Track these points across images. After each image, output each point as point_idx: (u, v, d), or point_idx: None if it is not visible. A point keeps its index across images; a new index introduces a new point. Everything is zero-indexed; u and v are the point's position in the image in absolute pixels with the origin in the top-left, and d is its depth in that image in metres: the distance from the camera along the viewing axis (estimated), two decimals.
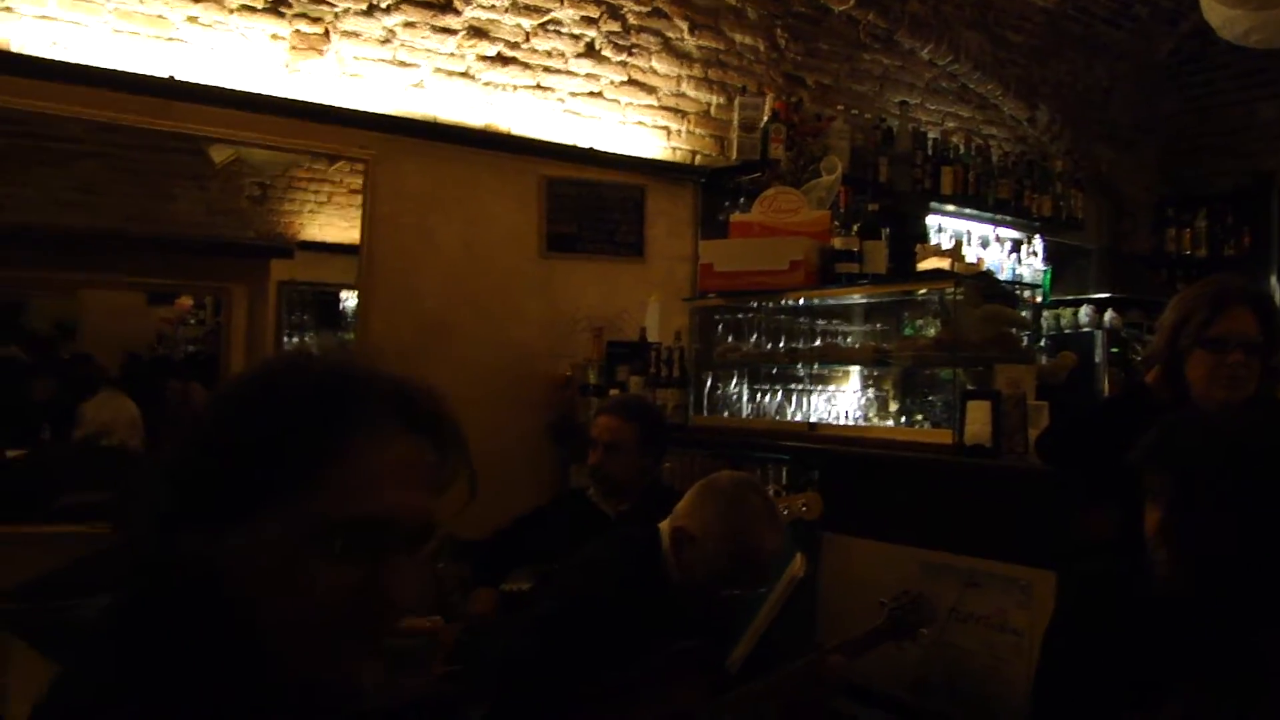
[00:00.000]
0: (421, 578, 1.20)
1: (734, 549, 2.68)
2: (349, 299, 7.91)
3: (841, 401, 4.53)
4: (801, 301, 4.51)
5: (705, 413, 4.58)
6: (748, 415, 4.58)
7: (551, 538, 3.60)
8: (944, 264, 4.39)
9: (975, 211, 6.46)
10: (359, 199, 6.78)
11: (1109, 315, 6.86)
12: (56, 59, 4.09)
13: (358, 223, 6.95)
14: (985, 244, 6.74)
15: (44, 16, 4.05)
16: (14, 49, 4.00)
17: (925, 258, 4.53)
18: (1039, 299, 6.65)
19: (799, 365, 4.47)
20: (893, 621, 2.78)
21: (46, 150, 6.15)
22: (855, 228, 4.31)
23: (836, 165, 4.85)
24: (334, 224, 7.31)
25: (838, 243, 4.29)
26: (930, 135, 6.32)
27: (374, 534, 1.10)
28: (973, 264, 5.17)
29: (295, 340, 7.81)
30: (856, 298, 4.47)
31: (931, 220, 6.33)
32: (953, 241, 6.07)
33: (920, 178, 6.05)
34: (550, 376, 5.06)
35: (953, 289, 3.85)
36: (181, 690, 1.05)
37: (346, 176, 7.02)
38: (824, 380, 4.54)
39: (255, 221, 7.19)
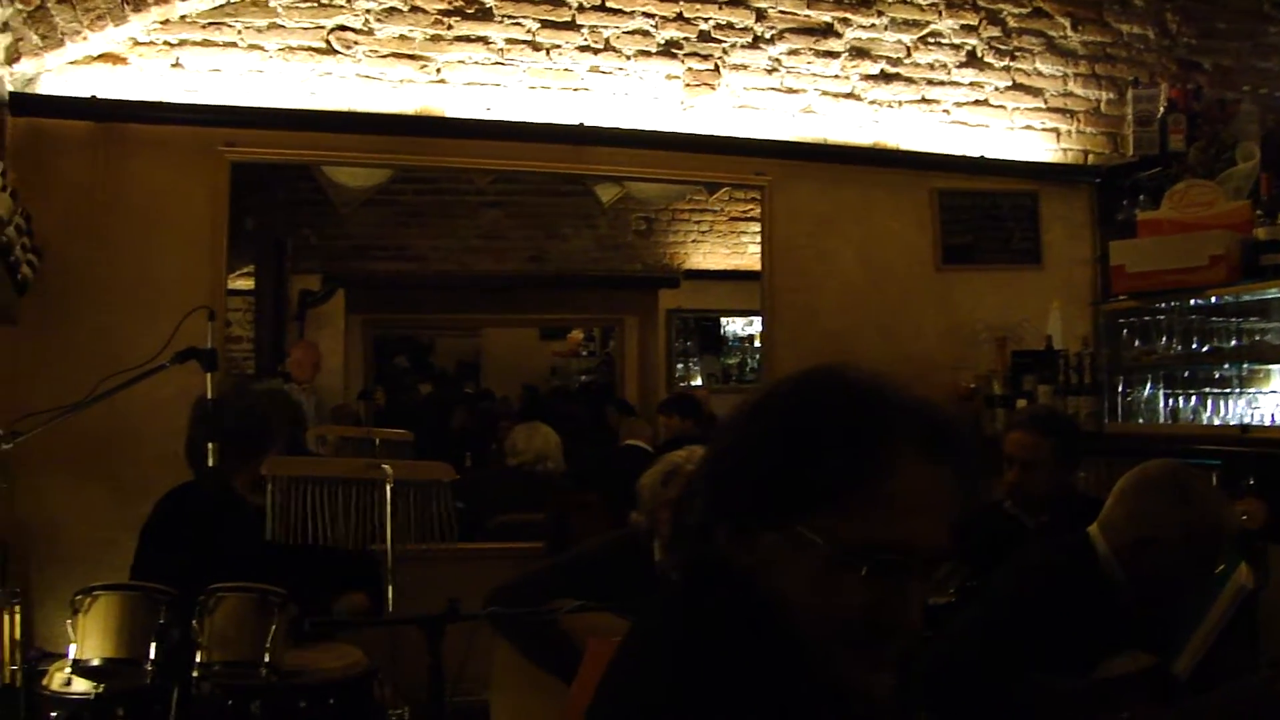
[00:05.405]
0: (926, 600, 1.23)
1: (1199, 536, 2.59)
2: (729, 324, 8.20)
3: (1264, 403, 4.26)
4: (1214, 299, 4.27)
5: (1119, 419, 4.42)
6: (1164, 420, 4.38)
7: (971, 552, 3.57)
8: None
9: None
10: (739, 226, 7.02)
11: None
12: (482, 119, 4.51)
13: (738, 250, 7.20)
14: None
15: (470, 83, 4.50)
16: (448, 115, 4.46)
17: None
18: None
19: (1221, 366, 4.24)
20: None
21: (458, 204, 6.78)
22: None
23: (1254, 151, 4.56)
24: (715, 252, 7.58)
25: (1261, 233, 4.03)
26: None
27: (899, 559, 1.13)
28: None
29: (682, 366, 8.15)
30: (1275, 292, 4.17)
31: None
32: None
33: None
34: (953, 389, 5.01)
35: None
36: (735, 680, 1.12)
37: (726, 205, 7.27)
38: (1245, 381, 4.28)
39: (643, 254, 7.57)
